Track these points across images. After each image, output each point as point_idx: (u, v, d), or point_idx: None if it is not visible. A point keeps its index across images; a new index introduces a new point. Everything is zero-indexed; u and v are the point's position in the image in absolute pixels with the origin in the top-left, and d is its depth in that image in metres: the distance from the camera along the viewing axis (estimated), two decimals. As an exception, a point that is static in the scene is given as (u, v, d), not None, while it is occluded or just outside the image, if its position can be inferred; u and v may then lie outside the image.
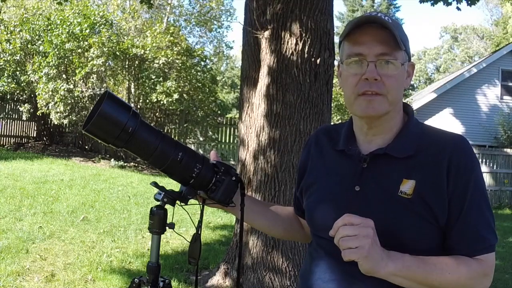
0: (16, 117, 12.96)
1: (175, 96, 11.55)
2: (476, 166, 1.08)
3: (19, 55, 12.11)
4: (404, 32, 1.11)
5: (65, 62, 11.36)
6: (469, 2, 6.93)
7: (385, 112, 1.09)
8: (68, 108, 11.08)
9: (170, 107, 12.31)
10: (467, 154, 1.08)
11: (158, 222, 1.15)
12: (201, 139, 12.93)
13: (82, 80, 11.48)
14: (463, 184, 1.05)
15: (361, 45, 1.07)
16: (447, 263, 1.03)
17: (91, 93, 11.55)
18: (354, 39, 1.08)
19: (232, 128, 12.95)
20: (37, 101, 11.40)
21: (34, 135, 13.32)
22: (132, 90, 12.25)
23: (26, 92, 12.55)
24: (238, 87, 10.99)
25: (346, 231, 0.96)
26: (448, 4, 7.06)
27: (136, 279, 1.18)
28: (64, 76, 11.43)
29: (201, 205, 1.23)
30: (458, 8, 7.06)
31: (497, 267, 5.36)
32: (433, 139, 1.11)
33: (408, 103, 1.23)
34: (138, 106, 12.13)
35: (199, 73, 12.97)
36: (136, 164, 11.61)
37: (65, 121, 11.34)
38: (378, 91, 1.06)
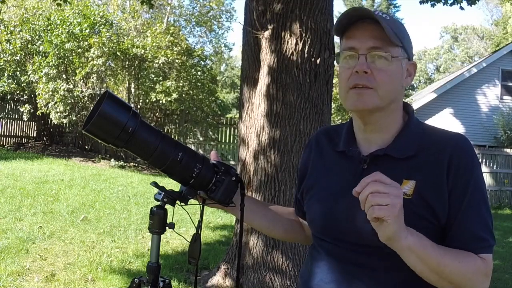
0: (16, 117, 12.96)
1: (174, 95, 11.56)
2: (477, 166, 1.08)
3: (19, 55, 12.11)
4: (404, 30, 1.11)
5: (65, 62, 11.37)
6: (470, 1, 6.94)
7: (376, 107, 1.08)
8: (68, 108, 11.08)
9: (170, 107, 12.31)
10: (467, 154, 1.07)
11: (158, 222, 1.15)
12: (201, 139, 12.93)
13: (82, 80, 11.49)
14: (462, 184, 1.04)
15: (354, 39, 1.08)
16: (457, 253, 1.02)
17: (91, 93, 11.56)
18: (348, 34, 1.10)
19: (232, 128, 12.95)
20: (37, 101, 11.40)
21: (34, 135, 13.32)
22: (132, 90, 12.26)
23: (26, 92, 12.55)
24: (238, 87, 10.99)
25: (378, 187, 0.90)
26: (451, 4, 7.07)
27: (136, 279, 1.18)
28: (64, 76, 11.44)
29: (201, 205, 1.23)
30: (461, 8, 7.06)
31: (497, 267, 5.36)
32: (434, 139, 1.10)
33: (408, 103, 1.22)
34: (138, 106, 12.13)
35: (199, 73, 12.97)
36: (136, 164, 11.62)
37: (65, 121, 11.35)
38: (368, 84, 1.06)
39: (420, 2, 7.29)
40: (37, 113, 11.76)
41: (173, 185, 1.22)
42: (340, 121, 13.49)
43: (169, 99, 11.51)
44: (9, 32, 12.13)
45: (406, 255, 0.97)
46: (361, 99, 1.07)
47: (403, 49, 1.09)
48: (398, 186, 0.93)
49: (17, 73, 12.37)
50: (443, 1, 7.15)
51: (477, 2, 6.99)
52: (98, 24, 11.57)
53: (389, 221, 0.90)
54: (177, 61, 11.98)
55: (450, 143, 1.08)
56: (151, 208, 1.16)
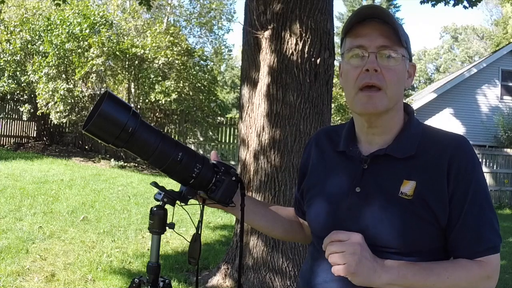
0: (16, 117, 12.95)
1: (174, 96, 11.56)
2: (477, 167, 1.08)
3: (19, 55, 12.11)
4: (405, 32, 1.12)
5: (65, 62, 11.37)
6: (470, 3, 6.93)
7: (385, 109, 1.08)
8: (68, 108, 11.08)
9: (170, 107, 12.31)
10: (468, 155, 1.07)
11: (158, 222, 1.15)
12: (201, 139, 12.93)
13: (82, 80, 11.49)
14: (464, 185, 1.04)
15: (363, 37, 1.07)
16: (446, 267, 1.02)
17: (91, 93, 11.56)
18: (355, 33, 1.09)
19: (232, 128, 12.94)
20: (37, 101, 11.40)
21: (34, 135, 13.32)
22: (132, 90, 12.25)
23: (26, 92, 12.55)
24: (238, 87, 10.98)
25: (334, 248, 0.99)
26: (455, 4, 7.05)
27: (136, 279, 1.18)
28: (64, 76, 11.44)
29: (201, 205, 1.23)
30: (465, 7, 7.04)
31: (497, 267, 5.35)
32: (434, 140, 1.10)
33: (408, 103, 1.22)
34: (138, 106, 12.13)
35: (199, 73, 12.97)
36: (136, 164, 11.61)
37: (65, 121, 11.34)
38: (378, 83, 1.05)
39: (421, 2, 7.28)
40: (37, 113, 11.76)
41: (173, 185, 1.22)
42: (340, 121, 13.49)
43: (168, 99, 11.50)
44: (9, 32, 12.13)
45: None
46: (371, 101, 1.06)
47: (406, 50, 1.10)
48: (355, 239, 0.99)
49: (17, 73, 12.37)
50: (444, 1, 7.14)
51: (478, 3, 6.98)
52: (98, 24, 11.57)
53: (349, 277, 0.98)
54: (177, 61, 11.97)
55: (450, 145, 1.08)
56: (151, 208, 1.16)
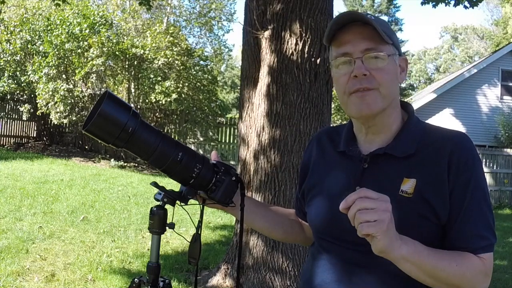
0: (16, 117, 12.95)
1: (174, 96, 11.56)
2: (478, 164, 1.07)
3: (19, 55, 12.11)
4: (389, 27, 1.12)
5: (65, 62, 11.37)
6: (471, 4, 6.93)
7: (381, 110, 1.08)
8: (68, 108, 11.08)
9: (170, 107, 12.31)
10: (468, 151, 1.07)
11: (158, 222, 1.15)
12: (201, 139, 12.93)
13: (82, 80, 11.49)
14: (463, 181, 1.04)
15: (346, 44, 1.07)
16: (453, 255, 1.02)
17: (91, 93, 11.56)
18: (338, 40, 1.09)
19: (232, 128, 12.94)
20: (37, 101, 11.41)
21: (34, 135, 13.31)
22: (132, 90, 12.25)
23: (26, 92, 12.55)
24: (238, 87, 10.99)
25: (365, 203, 0.89)
26: (456, 5, 7.04)
27: (136, 279, 1.18)
28: (64, 76, 11.44)
29: (201, 205, 1.23)
30: (465, 7, 7.03)
31: (497, 267, 5.35)
32: (434, 137, 1.10)
33: (408, 102, 1.22)
34: (138, 106, 12.13)
35: (199, 73, 12.97)
36: (136, 164, 11.61)
37: (65, 121, 11.35)
38: (369, 86, 1.05)
39: (422, 3, 7.28)
40: (37, 113, 11.76)
41: (173, 185, 1.22)
42: (340, 121, 13.51)
43: (168, 99, 11.51)
44: (9, 32, 12.13)
45: (401, 263, 0.97)
46: (364, 102, 1.06)
47: (393, 46, 1.09)
48: (387, 199, 0.92)
49: (17, 73, 12.38)
50: (445, 2, 7.13)
51: (479, 3, 6.97)
52: (97, 24, 11.57)
53: (379, 237, 0.90)
54: (176, 62, 11.98)
55: (450, 141, 1.07)
56: (151, 208, 1.16)
